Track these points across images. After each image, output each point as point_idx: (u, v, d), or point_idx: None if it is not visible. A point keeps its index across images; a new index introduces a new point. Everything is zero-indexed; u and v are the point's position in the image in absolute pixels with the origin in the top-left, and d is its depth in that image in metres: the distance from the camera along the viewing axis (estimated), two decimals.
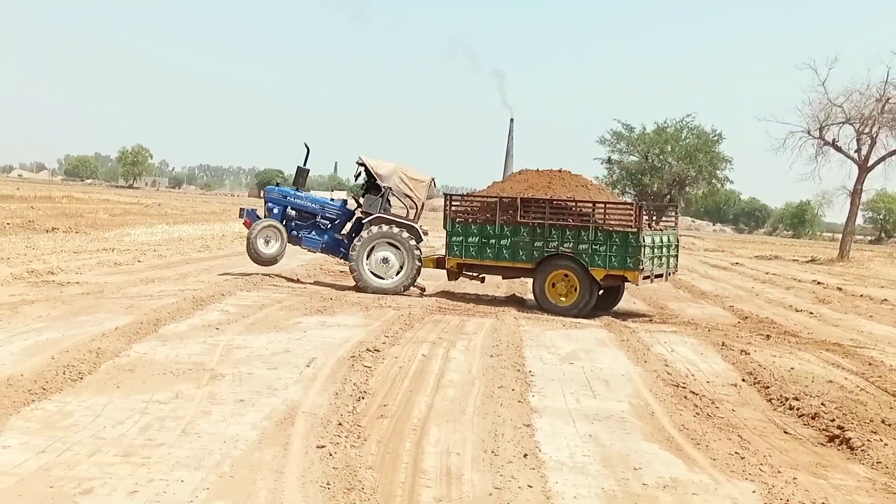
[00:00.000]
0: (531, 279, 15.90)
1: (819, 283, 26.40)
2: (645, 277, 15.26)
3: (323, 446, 6.17)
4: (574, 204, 15.55)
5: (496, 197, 16.04)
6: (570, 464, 6.35)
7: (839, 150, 43.86)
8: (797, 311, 18.19)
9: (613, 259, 15.03)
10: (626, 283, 15.81)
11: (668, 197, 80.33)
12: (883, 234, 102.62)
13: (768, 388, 9.51)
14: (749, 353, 11.63)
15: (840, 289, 24.41)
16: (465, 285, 18.36)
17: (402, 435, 6.77)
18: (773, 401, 9.04)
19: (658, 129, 78.72)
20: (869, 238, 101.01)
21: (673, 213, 18.38)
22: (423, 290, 17.69)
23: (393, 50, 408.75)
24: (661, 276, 16.32)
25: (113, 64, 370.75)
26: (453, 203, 16.30)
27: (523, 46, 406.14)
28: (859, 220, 53.99)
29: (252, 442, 6.30)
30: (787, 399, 8.97)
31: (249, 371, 8.64)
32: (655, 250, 15.67)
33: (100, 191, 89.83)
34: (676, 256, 17.42)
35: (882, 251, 65.27)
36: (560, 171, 17.35)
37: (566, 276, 15.36)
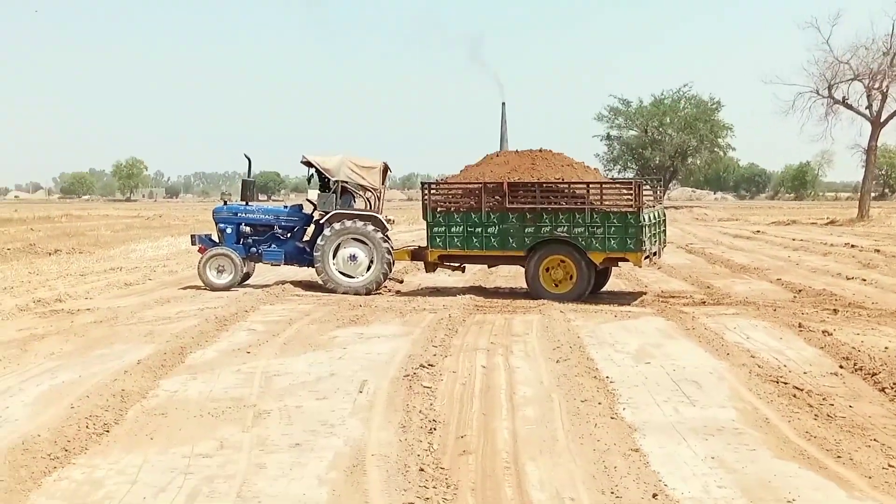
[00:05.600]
0: (521, 267, 14.82)
1: (853, 245, 25.43)
2: (645, 257, 14.21)
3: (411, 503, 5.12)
4: (567, 186, 14.46)
5: (480, 183, 14.74)
6: (709, 501, 5.28)
7: (850, 107, 42.97)
8: (848, 278, 17.17)
9: (612, 241, 13.96)
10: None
11: (671, 169, 79.38)
12: (887, 190, 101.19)
13: (874, 374, 8.46)
14: (832, 334, 10.57)
15: (878, 251, 23.50)
16: (496, 279, 17.35)
17: (497, 477, 5.68)
18: (886, 390, 7.99)
19: (655, 101, 77.71)
20: (874, 194, 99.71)
21: (657, 188, 17.10)
22: (400, 282, 16.61)
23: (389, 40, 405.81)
24: (655, 253, 15.29)
25: (100, 78, 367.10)
26: (432, 191, 15.11)
27: (509, 21, 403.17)
28: (859, 178, 52.22)
29: None
30: None
31: (297, 404, 7.59)
32: (652, 228, 14.64)
33: (98, 206, 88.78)
34: (665, 231, 16.43)
35: (895, 207, 64.15)
36: (541, 150, 16.06)
37: (562, 261, 14.32)
